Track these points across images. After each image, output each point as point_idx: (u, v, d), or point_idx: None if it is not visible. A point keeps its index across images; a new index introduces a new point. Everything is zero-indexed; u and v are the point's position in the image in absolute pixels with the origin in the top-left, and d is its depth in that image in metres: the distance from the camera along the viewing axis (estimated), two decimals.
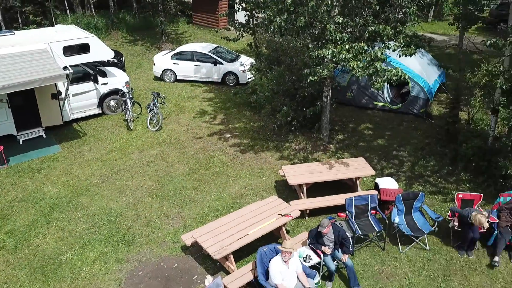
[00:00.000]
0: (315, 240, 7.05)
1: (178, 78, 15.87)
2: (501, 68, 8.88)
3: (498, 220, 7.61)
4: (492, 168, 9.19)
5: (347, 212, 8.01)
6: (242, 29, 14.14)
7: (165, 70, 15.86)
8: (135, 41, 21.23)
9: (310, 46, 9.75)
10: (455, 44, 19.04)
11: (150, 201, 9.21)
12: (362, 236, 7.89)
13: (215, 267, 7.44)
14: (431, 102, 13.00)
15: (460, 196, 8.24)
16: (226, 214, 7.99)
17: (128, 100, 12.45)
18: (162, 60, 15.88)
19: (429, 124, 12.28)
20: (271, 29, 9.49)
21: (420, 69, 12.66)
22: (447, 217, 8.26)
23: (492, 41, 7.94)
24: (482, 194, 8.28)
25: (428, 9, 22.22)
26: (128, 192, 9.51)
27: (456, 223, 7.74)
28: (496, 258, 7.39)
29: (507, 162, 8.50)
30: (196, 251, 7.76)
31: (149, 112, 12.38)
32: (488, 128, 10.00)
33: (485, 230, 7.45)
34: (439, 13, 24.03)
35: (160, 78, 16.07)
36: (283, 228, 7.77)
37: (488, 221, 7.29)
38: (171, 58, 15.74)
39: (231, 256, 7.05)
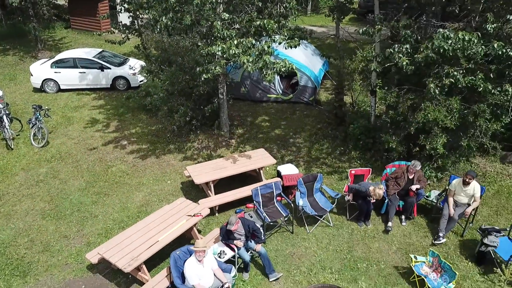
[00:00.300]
0: (227, 236, 7.11)
1: (62, 87, 14.64)
2: (374, 53, 9.84)
3: (386, 189, 8.47)
4: (377, 143, 10.17)
5: (254, 202, 8.20)
6: (127, 31, 13.51)
7: (45, 80, 14.50)
8: (5, 51, 19.04)
9: (199, 44, 9.74)
10: (333, 34, 20.52)
11: (44, 224, 8.39)
12: (271, 223, 8.16)
13: (128, 280, 7.07)
14: (318, 90, 13.91)
15: (353, 172, 8.97)
16: (133, 225, 7.62)
17: (5, 117, 11.16)
18: (41, 70, 14.49)
19: (319, 110, 13.15)
20: (158, 29, 9.27)
21: (306, 59, 13.47)
22: (343, 192, 8.95)
23: (363, 30, 8.72)
24: (371, 168, 9.14)
25: (306, 3, 23.68)
26: (17, 218, 8.54)
27: (350, 197, 8.45)
28: (390, 224, 8.22)
29: (388, 137, 9.47)
30: (104, 268, 7.29)
31: (32, 127, 11.23)
32: (370, 108, 11.03)
33: (374, 200, 8.21)
34: (316, 7, 25.78)
35: (40, 89, 14.65)
36: (194, 228, 7.69)
37: None
38: (51, 67, 14.44)
39: (143, 266, 6.77)
